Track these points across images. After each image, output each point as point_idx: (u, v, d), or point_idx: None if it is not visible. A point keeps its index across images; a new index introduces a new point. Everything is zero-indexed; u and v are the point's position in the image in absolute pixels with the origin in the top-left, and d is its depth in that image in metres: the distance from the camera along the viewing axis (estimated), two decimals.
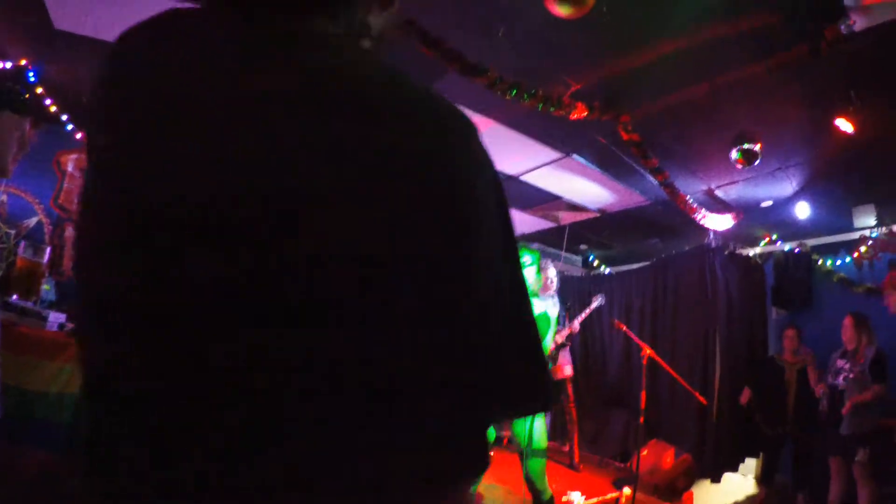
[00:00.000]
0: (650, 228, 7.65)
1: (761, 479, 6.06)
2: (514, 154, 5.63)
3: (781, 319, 6.96)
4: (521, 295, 0.62)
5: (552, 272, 5.16)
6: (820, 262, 6.81)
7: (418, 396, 0.53)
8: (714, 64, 3.86)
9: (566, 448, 7.06)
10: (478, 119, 4.80)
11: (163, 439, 0.52)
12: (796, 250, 6.97)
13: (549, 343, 4.95)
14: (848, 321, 5.28)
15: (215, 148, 0.52)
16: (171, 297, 0.52)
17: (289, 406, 0.51)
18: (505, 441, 6.46)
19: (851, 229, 6.44)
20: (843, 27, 3.21)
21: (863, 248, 6.28)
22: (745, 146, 4.77)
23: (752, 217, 6.59)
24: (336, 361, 0.50)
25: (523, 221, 7.88)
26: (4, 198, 4.34)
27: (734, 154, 4.86)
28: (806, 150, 5.02)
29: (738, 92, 4.14)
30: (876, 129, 4.22)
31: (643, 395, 4.97)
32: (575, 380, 7.00)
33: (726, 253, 6.84)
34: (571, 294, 8.33)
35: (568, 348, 6.47)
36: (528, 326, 0.62)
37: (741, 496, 6.01)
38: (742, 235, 7.24)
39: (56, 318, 3.92)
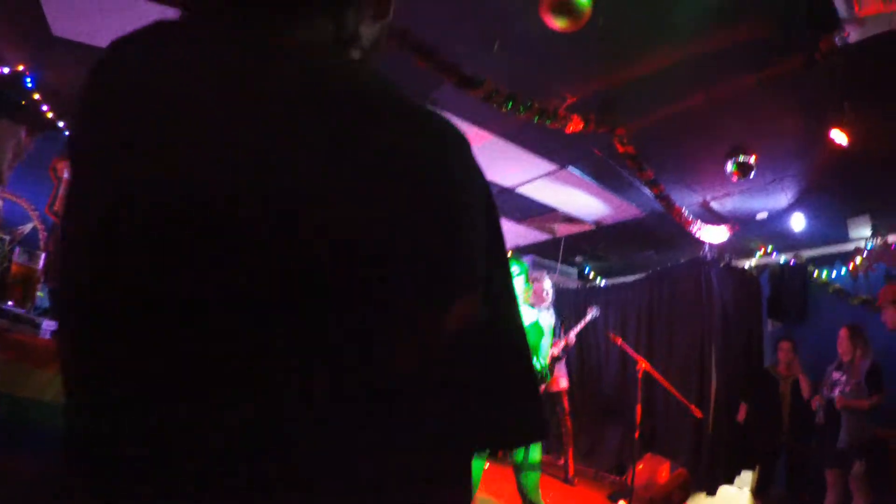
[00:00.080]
0: (646, 240, 7.68)
1: (756, 491, 6.03)
2: (509, 166, 5.66)
3: (777, 331, 6.97)
4: (510, 303, 0.62)
5: (548, 284, 5.17)
6: (815, 273, 6.83)
7: (418, 397, 0.52)
8: (709, 76, 3.90)
9: (561, 461, 7.02)
10: (473, 131, 4.82)
11: (162, 439, 0.52)
12: (792, 262, 7.00)
13: (545, 353, 4.94)
14: (844, 333, 5.29)
15: (213, 148, 0.52)
16: (171, 297, 0.52)
17: (289, 406, 0.50)
18: (500, 454, 6.43)
19: (847, 240, 6.48)
20: (837, 39, 3.24)
21: (858, 260, 6.30)
22: (741, 158, 4.81)
23: (747, 229, 6.62)
24: (336, 361, 0.50)
25: (519, 233, 7.90)
26: (0, 203, 4.33)
27: (729, 166, 4.90)
28: (801, 161, 5.05)
29: (733, 104, 4.18)
30: (870, 140, 4.25)
31: (638, 408, 4.96)
32: (570, 392, 6.98)
33: (722, 265, 6.85)
34: (567, 306, 8.33)
35: (563, 360, 6.47)
36: (520, 346, 0.62)
37: None
38: (737, 247, 7.27)
39: (49, 325, 3.88)
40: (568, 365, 7.00)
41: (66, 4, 3.62)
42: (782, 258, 7.17)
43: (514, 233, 7.85)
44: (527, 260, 8.87)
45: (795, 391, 5.83)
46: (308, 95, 0.53)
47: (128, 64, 0.61)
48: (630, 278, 8.57)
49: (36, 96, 4.35)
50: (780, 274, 7.08)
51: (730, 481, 6.28)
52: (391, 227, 0.50)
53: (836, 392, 5.14)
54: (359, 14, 0.68)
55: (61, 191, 5.07)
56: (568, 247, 8.27)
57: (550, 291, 5.14)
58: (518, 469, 4.21)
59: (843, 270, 6.59)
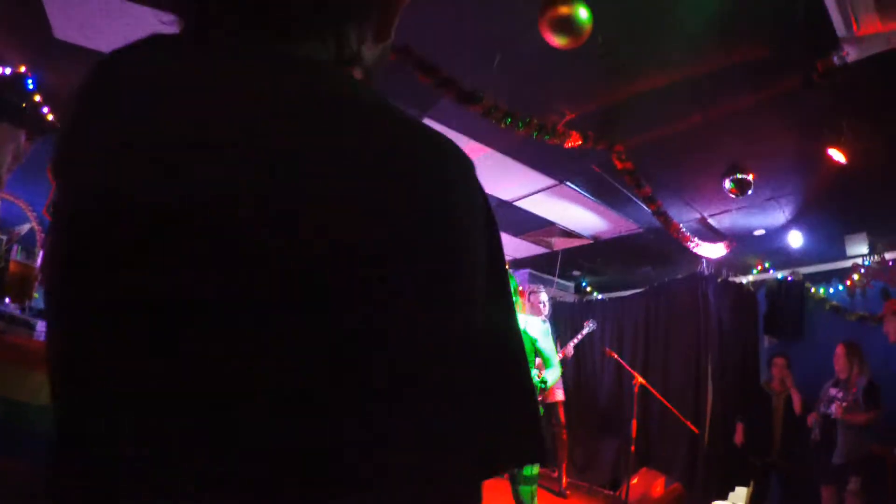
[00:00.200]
0: (643, 256, 7.68)
1: None
2: (508, 180, 5.67)
3: (773, 347, 6.97)
4: (509, 319, 0.61)
5: (544, 297, 5.18)
6: (812, 290, 6.84)
7: (418, 397, 0.53)
8: (707, 95, 3.92)
9: (555, 474, 7.01)
10: (472, 146, 4.84)
11: (160, 440, 0.51)
12: (789, 278, 7.01)
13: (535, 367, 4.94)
14: (840, 350, 5.29)
15: (212, 151, 0.52)
16: (170, 296, 0.52)
17: (289, 406, 0.50)
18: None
19: (844, 258, 6.50)
20: (836, 58, 3.26)
21: (855, 277, 6.31)
22: (738, 176, 4.83)
23: (744, 245, 6.64)
24: (335, 362, 0.50)
25: (516, 246, 7.91)
26: None
27: (727, 184, 4.91)
28: (798, 179, 5.08)
29: (731, 122, 4.21)
30: (868, 158, 4.28)
31: (634, 422, 4.95)
32: (567, 405, 6.97)
33: (719, 281, 6.87)
34: (563, 320, 8.34)
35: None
36: (522, 374, 0.61)
37: None
38: (735, 263, 7.28)
39: (44, 327, 3.89)
40: (564, 378, 7.00)
41: (68, 8, 3.63)
42: (779, 274, 7.18)
43: (512, 246, 7.86)
44: (523, 273, 8.89)
45: (788, 407, 5.82)
46: (307, 103, 0.53)
47: (126, 71, 0.61)
48: (627, 293, 8.57)
49: (37, 98, 4.35)
50: (777, 290, 7.08)
51: (724, 497, 6.26)
52: (389, 231, 0.50)
53: (833, 408, 5.14)
54: (360, 35, 0.68)
55: None
56: (565, 261, 8.27)
57: (547, 304, 5.14)
58: (514, 479, 4.21)
59: (840, 287, 6.60)
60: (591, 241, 7.41)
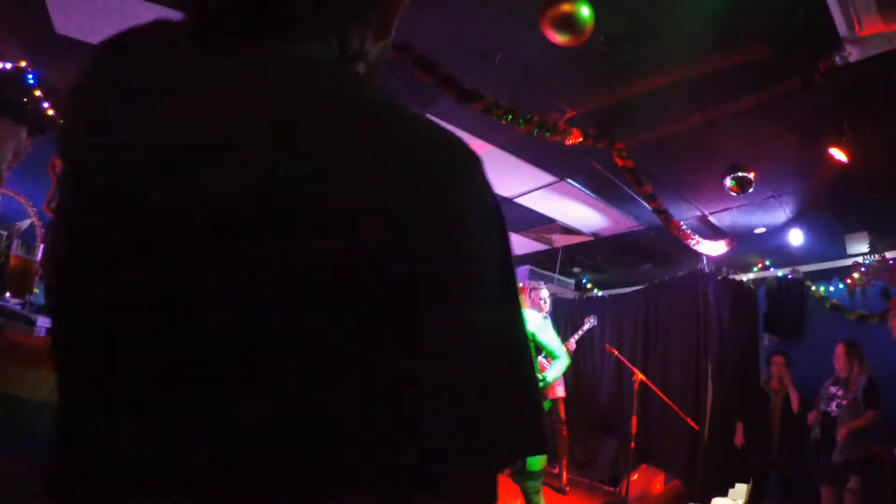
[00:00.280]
0: (643, 253, 7.69)
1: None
2: (508, 177, 5.66)
3: (773, 346, 6.97)
4: (514, 315, 0.61)
5: (545, 293, 5.17)
6: (813, 288, 6.84)
7: (418, 396, 0.52)
8: (708, 94, 3.92)
9: (555, 470, 7.02)
10: (473, 143, 4.81)
11: (161, 439, 0.51)
12: (789, 277, 7.01)
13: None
14: (840, 349, 5.30)
15: (211, 150, 0.52)
16: (171, 297, 0.52)
17: (289, 406, 0.50)
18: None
19: (844, 256, 6.50)
20: (837, 58, 3.25)
21: (856, 275, 6.31)
22: (739, 174, 4.82)
23: (745, 243, 6.63)
24: (334, 362, 0.50)
25: (517, 243, 7.90)
26: None
27: (728, 182, 4.91)
28: (799, 178, 5.07)
29: (732, 121, 4.20)
30: (869, 157, 4.28)
31: (634, 419, 4.95)
32: (567, 401, 6.97)
33: (719, 278, 6.87)
34: (564, 316, 8.34)
35: None
36: (525, 371, 0.61)
37: None
38: (735, 261, 7.28)
39: (45, 322, 3.88)
40: (564, 375, 7.00)
41: (69, 3, 3.62)
42: (780, 273, 7.18)
43: (512, 242, 7.84)
44: (523, 270, 8.89)
45: (786, 406, 5.83)
46: (306, 103, 0.53)
47: (125, 67, 0.61)
48: (627, 290, 8.58)
49: (37, 93, 4.35)
50: (777, 288, 7.09)
51: (724, 493, 6.27)
52: (389, 231, 0.50)
53: (833, 406, 5.14)
54: (363, 33, 0.67)
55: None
56: (565, 258, 8.27)
57: (548, 301, 5.14)
58: (520, 473, 4.26)
59: (841, 286, 6.60)
60: (592, 238, 7.41)
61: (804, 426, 5.54)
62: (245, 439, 0.51)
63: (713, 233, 6.41)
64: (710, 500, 6.09)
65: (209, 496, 0.51)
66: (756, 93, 3.80)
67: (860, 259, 6.27)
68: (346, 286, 0.49)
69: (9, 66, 4.12)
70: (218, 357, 0.51)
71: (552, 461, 7.24)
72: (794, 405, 5.73)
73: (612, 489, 7.16)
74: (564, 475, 6.87)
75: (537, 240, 7.75)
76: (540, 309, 5.02)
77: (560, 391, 6.59)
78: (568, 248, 7.93)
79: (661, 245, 7.03)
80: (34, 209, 4.92)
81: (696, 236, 6.03)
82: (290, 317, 0.50)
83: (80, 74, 0.63)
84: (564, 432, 6.85)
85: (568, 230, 7.25)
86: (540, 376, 4.71)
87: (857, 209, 5.49)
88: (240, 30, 0.60)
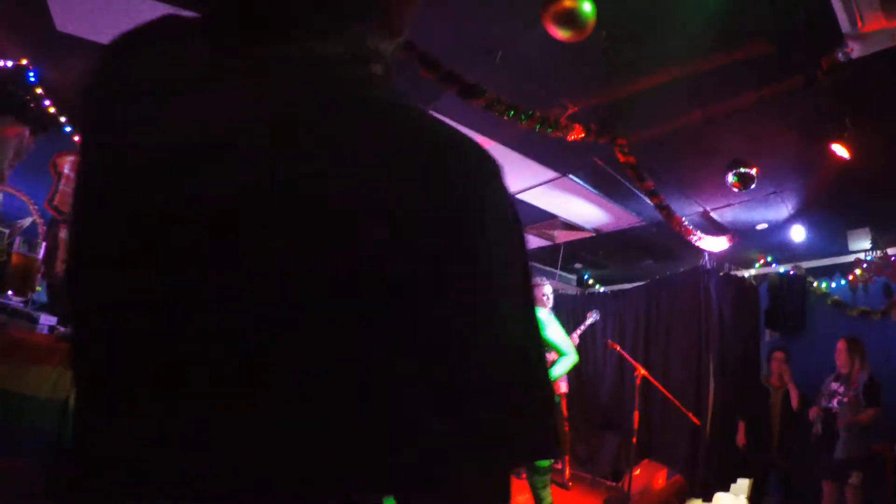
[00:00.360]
0: (645, 249, 7.68)
1: (753, 499, 6.03)
2: (510, 173, 5.47)
3: (775, 342, 6.97)
4: (527, 315, 0.60)
5: (548, 289, 5.18)
6: (815, 284, 6.83)
7: (419, 398, 0.52)
8: (710, 91, 3.91)
9: (558, 465, 7.03)
10: (474, 138, 4.81)
11: (161, 439, 0.52)
12: (791, 273, 7.00)
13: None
14: (841, 345, 5.30)
15: (217, 150, 0.52)
16: (172, 297, 0.53)
17: (288, 406, 0.50)
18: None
19: (846, 252, 6.49)
20: (840, 54, 3.24)
21: (858, 272, 6.31)
22: (741, 170, 4.81)
23: (747, 239, 6.62)
24: (336, 360, 0.50)
25: None
26: (0, 197, 4.34)
27: (730, 177, 4.89)
28: (801, 174, 5.06)
29: (734, 118, 4.19)
30: (871, 154, 4.26)
31: (636, 414, 4.95)
32: (569, 397, 6.98)
33: (721, 274, 6.86)
34: (566, 312, 8.34)
35: None
36: (532, 372, 0.60)
37: None
38: (737, 257, 7.27)
39: (47, 320, 3.89)
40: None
41: (71, 0, 3.62)
42: (781, 269, 7.17)
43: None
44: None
45: (786, 403, 5.84)
46: (307, 104, 0.53)
47: (129, 63, 0.61)
48: (629, 286, 8.57)
49: (38, 91, 4.35)
50: (779, 284, 7.08)
51: (726, 488, 6.28)
52: (389, 231, 0.50)
53: (835, 402, 5.15)
54: (370, 32, 0.66)
55: (61, 186, 5.08)
56: (567, 254, 8.27)
57: (550, 297, 5.14)
58: (529, 469, 4.32)
59: (843, 282, 6.59)
60: (594, 234, 7.41)
61: (804, 423, 5.55)
62: (245, 439, 0.51)
63: (715, 229, 6.40)
64: (712, 496, 6.13)
65: (209, 496, 0.52)
66: (758, 89, 3.79)
67: (862, 255, 6.26)
68: (346, 286, 0.49)
69: (10, 64, 4.12)
70: (218, 357, 0.51)
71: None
72: (794, 402, 5.73)
73: (614, 484, 7.17)
74: (567, 471, 6.88)
75: (539, 236, 7.74)
76: (543, 305, 5.03)
77: (563, 387, 6.59)
78: (570, 244, 7.92)
79: (663, 241, 7.02)
80: (35, 207, 4.92)
81: (698, 232, 6.02)
82: (290, 317, 0.50)
83: (89, 75, 0.63)
84: (567, 428, 6.86)
85: (570, 226, 7.25)
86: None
87: (860, 205, 5.48)
88: (240, 29, 0.60)
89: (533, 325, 0.60)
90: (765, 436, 5.86)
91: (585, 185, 5.79)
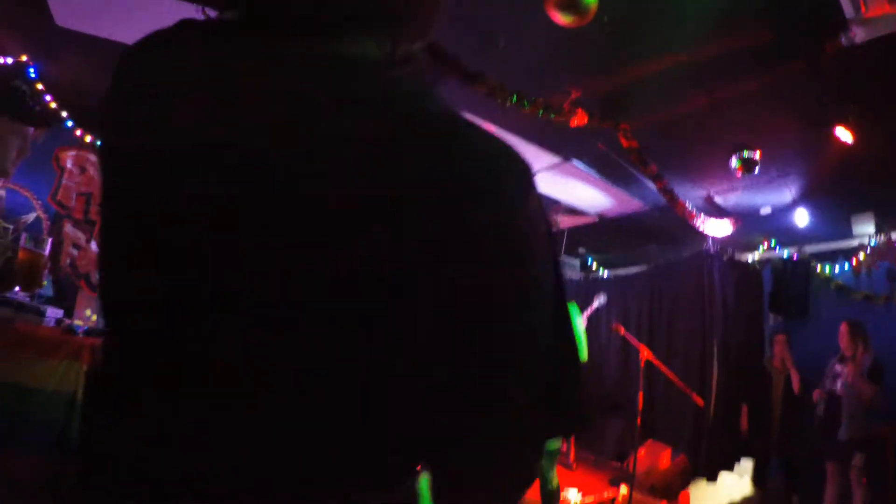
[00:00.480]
0: (649, 233, 7.65)
1: (756, 480, 6.08)
2: None
3: (778, 325, 6.96)
4: (561, 301, 0.60)
5: None
6: (818, 268, 6.81)
7: (419, 397, 0.52)
8: (714, 76, 3.87)
9: (563, 447, 7.07)
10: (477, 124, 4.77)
11: (162, 440, 0.52)
12: (795, 257, 6.98)
13: None
14: (844, 328, 5.29)
15: (246, 154, 0.52)
16: (174, 297, 0.53)
17: (288, 406, 0.51)
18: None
19: (850, 237, 6.45)
20: (843, 39, 3.21)
21: (861, 256, 6.28)
22: (745, 154, 4.78)
23: (750, 224, 6.59)
24: (337, 360, 0.50)
25: None
26: (3, 193, 4.34)
27: (734, 162, 4.87)
28: (805, 158, 5.02)
29: (737, 103, 4.16)
30: (876, 138, 4.23)
31: (640, 395, 4.97)
32: None
33: (724, 258, 6.84)
34: (569, 297, 8.30)
35: None
36: (574, 350, 0.62)
37: (737, 497, 6.03)
38: (741, 242, 7.23)
39: (54, 313, 3.92)
40: None
41: None
42: (785, 253, 7.14)
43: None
44: None
45: (788, 386, 5.85)
46: (328, 106, 0.52)
47: (150, 64, 0.61)
48: (633, 270, 8.56)
49: (39, 86, 4.34)
50: (782, 269, 7.05)
51: (730, 469, 6.32)
52: (391, 231, 0.49)
53: (838, 384, 5.15)
54: (410, 33, 0.66)
55: (63, 180, 5.08)
56: (571, 239, 8.25)
57: None
58: None
59: (846, 266, 6.56)
60: (597, 219, 7.38)
61: (805, 406, 5.57)
62: (245, 439, 0.51)
63: (718, 213, 6.37)
64: (716, 476, 6.17)
65: (209, 496, 0.52)
66: (761, 74, 3.75)
67: (866, 240, 6.23)
68: (347, 286, 0.49)
69: (10, 60, 4.11)
70: (218, 357, 0.52)
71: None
72: (796, 386, 5.74)
73: (619, 465, 7.21)
74: (572, 452, 6.93)
75: None
76: None
77: None
78: (573, 230, 7.90)
79: (667, 226, 6.98)
80: (39, 202, 4.92)
81: (702, 216, 5.99)
82: (289, 316, 0.50)
83: (114, 73, 0.63)
84: None
85: (573, 211, 7.22)
86: None
87: (863, 190, 5.43)
88: (282, 26, 0.59)
89: (568, 313, 0.61)
90: (766, 419, 5.88)
91: (589, 170, 5.76)
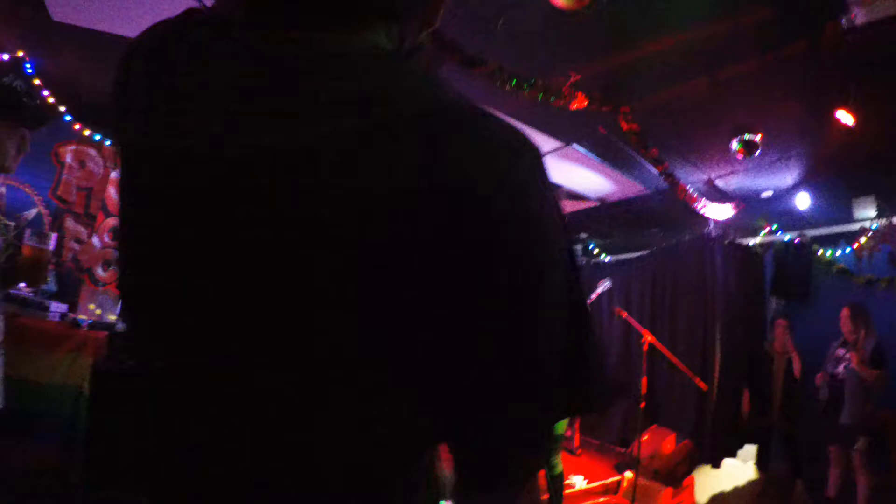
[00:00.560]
0: (650, 218, 7.64)
1: (760, 465, 6.11)
2: None
3: (780, 309, 6.96)
4: (577, 281, 0.60)
5: None
6: (820, 252, 6.80)
7: (419, 397, 0.52)
8: (713, 57, 3.85)
9: (568, 433, 7.09)
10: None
11: (163, 439, 0.53)
12: (796, 241, 6.96)
13: None
14: (846, 312, 5.29)
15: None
16: (176, 298, 0.54)
17: (292, 407, 0.51)
18: None
19: (852, 220, 6.44)
20: (844, 20, 3.19)
21: (863, 240, 6.27)
22: (746, 137, 4.77)
23: (752, 207, 6.58)
24: (338, 360, 0.50)
25: None
26: (3, 190, 4.33)
27: (735, 144, 4.85)
28: (806, 141, 5.01)
29: (737, 85, 4.14)
30: (876, 120, 4.21)
31: (644, 380, 4.98)
32: None
33: (726, 243, 6.82)
34: None
35: None
36: (591, 333, 0.62)
37: (742, 481, 6.05)
38: (742, 226, 7.22)
39: (58, 308, 3.94)
40: None
41: None
42: (787, 237, 7.13)
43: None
44: None
45: (788, 370, 5.86)
46: (333, 101, 0.51)
47: (168, 61, 0.59)
48: (634, 255, 8.56)
49: (37, 81, 4.34)
50: (784, 253, 7.04)
51: (733, 455, 6.34)
52: (389, 233, 0.48)
53: (841, 368, 5.16)
54: (419, 23, 0.66)
55: (63, 175, 5.08)
56: (572, 223, 8.23)
57: None
58: None
59: (848, 250, 6.55)
60: (598, 204, 7.37)
61: (806, 391, 5.59)
62: (245, 439, 0.52)
63: (720, 197, 6.36)
64: (720, 460, 6.19)
65: (210, 495, 0.53)
66: (761, 55, 3.73)
67: (868, 223, 6.22)
68: (347, 286, 0.48)
69: (6, 57, 4.10)
70: (218, 357, 0.52)
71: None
72: (797, 370, 5.76)
73: (623, 450, 7.23)
74: (576, 438, 6.96)
75: None
76: None
77: None
78: (574, 214, 7.89)
79: (668, 209, 6.97)
80: (40, 198, 4.92)
81: (703, 200, 5.99)
82: (289, 316, 0.50)
83: (120, 66, 0.63)
84: None
85: (574, 196, 7.20)
86: None
87: (865, 173, 5.41)
88: (288, 17, 0.58)
89: (584, 297, 0.61)
90: (767, 403, 5.91)
91: (590, 155, 5.74)
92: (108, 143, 5.22)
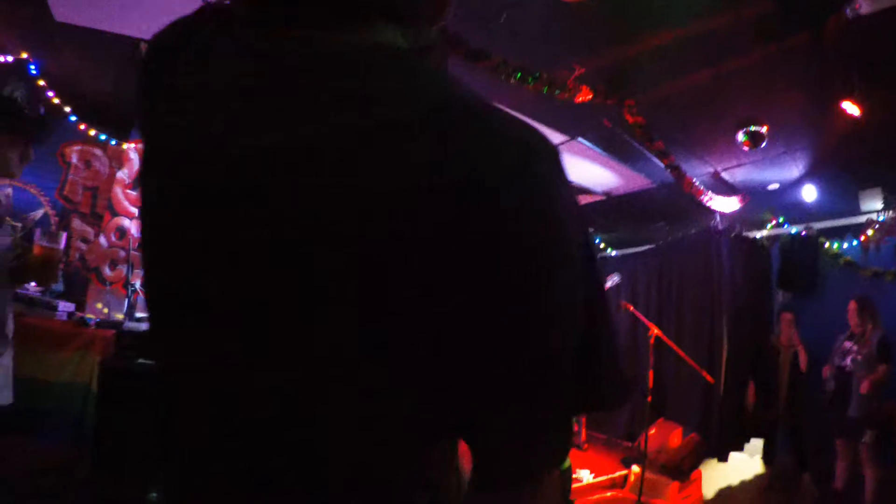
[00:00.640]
0: (656, 211, 7.61)
1: (766, 458, 6.10)
2: None
3: (787, 302, 6.94)
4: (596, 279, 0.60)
5: None
6: (826, 245, 6.77)
7: (420, 397, 0.52)
8: (718, 50, 3.82)
9: (575, 428, 7.09)
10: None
11: (163, 440, 0.53)
12: (803, 233, 6.93)
13: None
14: (853, 305, 5.27)
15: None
16: (174, 296, 0.54)
17: (293, 407, 0.51)
18: None
19: (858, 213, 6.40)
20: (848, 11, 3.17)
21: (870, 232, 6.23)
22: (752, 129, 4.74)
23: (758, 200, 6.55)
24: (339, 360, 0.50)
25: None
26: (9, 191, 4.36)
27: (740, 136, 4.83)
28: (812, 133, 4.98)
29: (743, 77, 4.11)
30: (882, 112, 4.18)
31: (651, 373, 4.97)
32: None
33: (732, 236, 6.80)
34: None
35: None
36: (611, 329, 0.63)
37: (749, 475, 6.06)
38: (748, 219, 7.19)
39: (66, 307, 3.96)
40: None
41: None
42: (793, 229, 7.09)
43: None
44: None
45: (794, 363, 5.85)
46: (342, 100, 0.51)
47: (183, 56, 0.60)
48: (641, 249, 8.53)
49: (41, 83, 4.36)
50: (790, 245, 7.01)
51: (740, 448, 6.34)
52: (392, 232, 0.47)
53: (848, 361, 5.15)
54: (425, 20, 0.65)
55: (69, 175, 5.11)
56: None
57: None
58: None
59: (854, 243, 6.52)
60: (604, 198, 7.34)
61: (812, 384, 5.57)
62: (247, 437, 0.52)
63: (726, 189, 6.33)
64: (727, 454, 6.19)
65: (210, 495, 0.54)
66: (765, 47, 3.71)
67: (874, 216, 6.18)
68: (347, 286, 0.48)
69: (10, 59, 4.11)
70: (219, 356, 0.53)
71: None
72: (803, 363, 5.74)
73: (630, 444, 7.23)
74: (583, 432, 6.96)
75: None
76: None
77: None
78: (580, 208, 7.86)
79: (674, 203, 6.94)
80: (46, 198, 4.95)
81: (709, 193, 5.96)
82: (290, 315, 0.50)
83: (138, 69, 0.64)
84: None
85: (580, 190, 7.18)
86: None
87: (871, 165, 5.37)
88: (298, 13, 0.57)
89: (604, 296, 0.61)
90: (773, 396, 5.90)
91: (595, 148, 5.72)
92: (113, 142, 5.25)
